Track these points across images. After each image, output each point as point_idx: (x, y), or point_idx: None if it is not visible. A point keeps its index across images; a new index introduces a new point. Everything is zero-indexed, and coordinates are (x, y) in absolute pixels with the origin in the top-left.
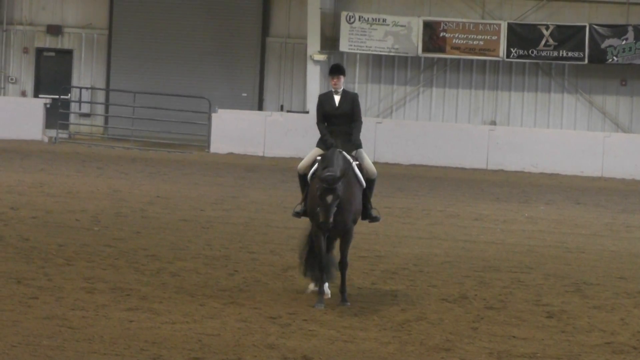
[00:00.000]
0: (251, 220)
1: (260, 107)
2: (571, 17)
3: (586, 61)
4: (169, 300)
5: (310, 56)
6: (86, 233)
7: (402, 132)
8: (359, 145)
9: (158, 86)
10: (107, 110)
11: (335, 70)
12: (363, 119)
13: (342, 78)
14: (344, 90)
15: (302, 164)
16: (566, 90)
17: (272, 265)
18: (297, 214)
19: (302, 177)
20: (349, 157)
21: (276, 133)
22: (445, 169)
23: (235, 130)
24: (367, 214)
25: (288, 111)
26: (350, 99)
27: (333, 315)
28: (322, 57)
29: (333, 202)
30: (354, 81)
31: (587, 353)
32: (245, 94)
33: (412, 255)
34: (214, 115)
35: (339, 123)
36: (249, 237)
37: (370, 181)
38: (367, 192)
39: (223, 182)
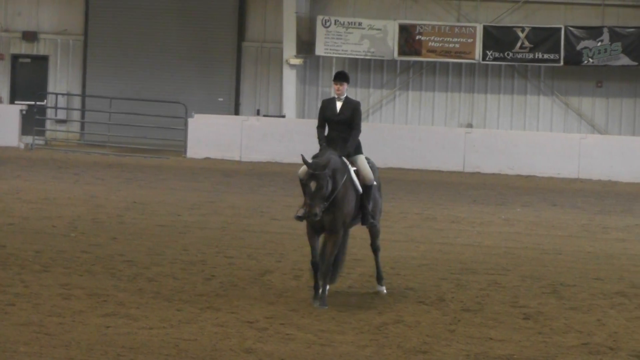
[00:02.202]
0: (228, 224)
1: (236, 112)
2: (546, 19)
3: (562, 63)
4: (145, 306)
5: (286, 60)
6: (63, 239)
7: (379, 136)
8: (349, 154)
9: (134, 92)
10: (83, 116)
11: (339, 77)
12: None
13: (345, 85)
14: (347, 97)
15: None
16: (542, 92)
17: (249, 270)
18: (299, 218)
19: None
20: (346, 161)
21: (253, 138)
22: (422, 171)
23: (211, 135)
24: (365, 219)
25: (264, 115)
26: (352, 107)
27: (310, 319)
28: (298, 62)
29: (317, 191)
30: (330, 85)
31: (563, 354)
32: (221, 99)
33: (389, 258)
34: (190, 120)
35: (339, 129)
36: (225, 242)
37: (367, 187)
38: (363, 198)
39: (200, 187)
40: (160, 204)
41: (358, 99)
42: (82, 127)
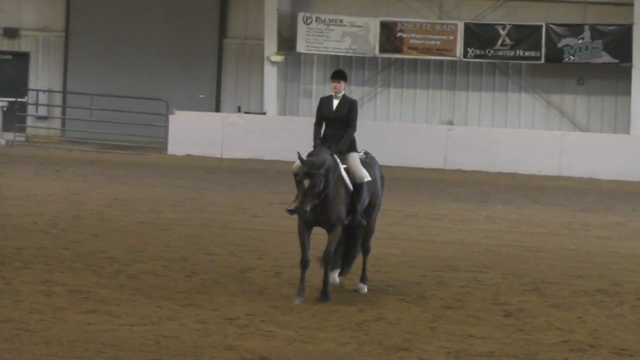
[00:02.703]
0: (209, 221)
1: (217, 109)
2: (528, 16)
3: (543, 60)
4: (126, 303)
5: (268, 57)
6: (44, 236)
7: (360, 133)
8: (342, 151)
9: (115, 88)
10: (64, 113)
11: (336, 75)
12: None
13: (342, 83)
14: (344, 95)
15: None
16: (523, 89)
17: (230, 267)
18: (290, 212)
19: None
20: (337, 159)
21: (234, 134)
22: (404, 169)
23: (193, 132)
24: (354, 217)
25: (246, 112)
26: (348, 105)
27: (291, 316)
28: (279, 59)
29: (310, 189)
30: (311, 82)
31: (544, 351)
32: (202, 96)
33: (370, 255)
34: (171, 117)
35: (335, 126)
36: (207, 239)
37: (358, 185)
38: (354, 196)
39: (181, 184)
40: (142, 200)
41: None
42: (63, 124)
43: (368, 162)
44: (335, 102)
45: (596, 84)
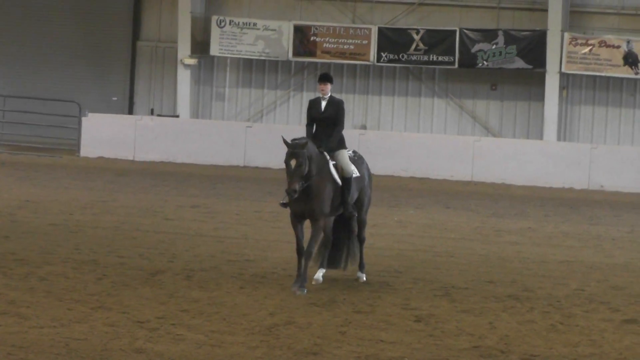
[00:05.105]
0: (120, 224)
1: (130, 111)
2: (441, 21)
3: (456, 65)
4: (36, 305)
5: (181, 60)
6: None
7: (273, 137)
8: (331, 149)
9: (28, 90)
10: None
11: (323, 78)
12: (233, 122)
13: (329, 85)
14: (330, 97)
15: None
16: (436, 94)
17: (141, 270)
18: (284, 205)
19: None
20: (326, 155)
21: (146, 137)
22: None
23: (105, 134)
24: (345, 209)
25: (158, 115)
26: (335, 105)
27: (201, 319)
28: (192, 62)
29: (297, 168)
30: (224, 85)
31: (455, 357)
32: (115, 98)
33: (281, 259)
34: (84, 119)
35: (324, 126)
36: (118, 242)
37: (346, 179)
38: (344, 190)
39: (93, 186)
40: (53, 202)
41: (252, 99)
42: None
43: (356, 160)
44: (324, 104)
45: (509, 90)
